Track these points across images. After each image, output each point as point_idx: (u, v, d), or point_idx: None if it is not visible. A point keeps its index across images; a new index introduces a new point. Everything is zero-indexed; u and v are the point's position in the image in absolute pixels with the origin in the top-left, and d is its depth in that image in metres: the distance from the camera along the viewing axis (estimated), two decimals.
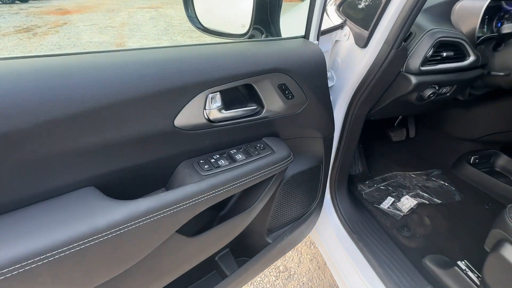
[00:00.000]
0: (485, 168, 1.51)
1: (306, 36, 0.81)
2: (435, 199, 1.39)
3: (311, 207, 1.05)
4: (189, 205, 0.55)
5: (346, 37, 0.93)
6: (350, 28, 0.91)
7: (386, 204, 1.37)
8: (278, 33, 0.88)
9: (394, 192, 1.44)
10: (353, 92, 0.96)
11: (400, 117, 1.73)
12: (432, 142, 1.69)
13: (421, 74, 0.92)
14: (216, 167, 0.62)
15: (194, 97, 0.57)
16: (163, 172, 0.62)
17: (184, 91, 0.56)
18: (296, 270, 1.59)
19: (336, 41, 0.96)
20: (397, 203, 1.37)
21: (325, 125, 0.89)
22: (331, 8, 1.05)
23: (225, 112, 0.65)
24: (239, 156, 0.67)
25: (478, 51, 1.04)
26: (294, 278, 1.55)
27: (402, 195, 1.42)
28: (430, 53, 0.91)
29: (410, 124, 1.64)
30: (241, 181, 0.63)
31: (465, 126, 1.55)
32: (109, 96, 0.48)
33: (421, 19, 0.98)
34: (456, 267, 1.03)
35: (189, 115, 0.58)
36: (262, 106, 0.72)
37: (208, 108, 0.62)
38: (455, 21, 1.05)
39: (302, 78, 0.73)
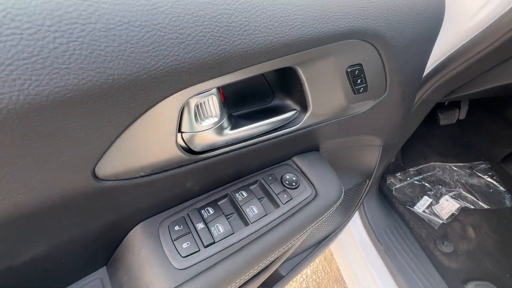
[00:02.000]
0: None
1: None
2: (481, 203, 1.13)
3: (339, 227, 0.78)
4: None
5: None
6: None
7: (422, 206, 1.11)
8: None
9: (431, 190, 1.17)
10: (436, 64, 0.59)
11: None
12: (483, 127, 1.36)
13: None
14: (208, 245, 0.31)
15: (147, 111, 0.23)
16: (94, 249, 0.31)
17: (121, 96, 0.22)
18: None
19: None
20: (435, 206, 1.11)
21: (394, 129, 0.55)
22: None
23: (230, 132, 0.31)
24: (252, 210, 0.35)
25: None
26: None
27: (441, 195, 1.15)
28: None
29: (463, 103, 1.28)
30: (257, 268, 0.33)
31: None
32: None
33: None
34: None
35: (137, 150, 0.25)
36: (305, 108, 0.37)
37: (188, 131, 0.28)
38: None
39: (396, 50, 0.37)
